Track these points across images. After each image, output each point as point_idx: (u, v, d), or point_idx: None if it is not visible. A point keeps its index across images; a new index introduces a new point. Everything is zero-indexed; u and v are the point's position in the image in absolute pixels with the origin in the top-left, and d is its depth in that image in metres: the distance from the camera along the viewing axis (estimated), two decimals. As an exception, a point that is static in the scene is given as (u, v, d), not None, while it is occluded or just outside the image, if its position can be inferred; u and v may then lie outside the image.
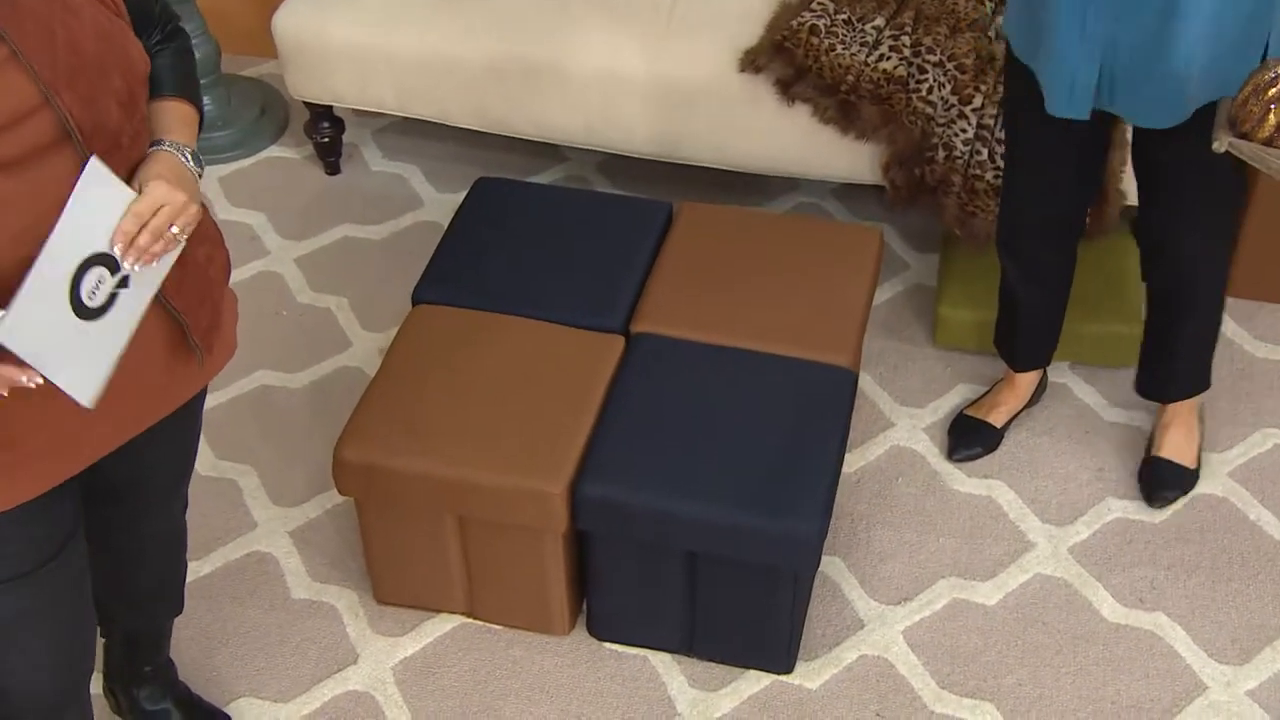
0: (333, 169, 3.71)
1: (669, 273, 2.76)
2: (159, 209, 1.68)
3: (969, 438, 2.97)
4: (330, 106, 3.56)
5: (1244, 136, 2.09)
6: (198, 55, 3.63)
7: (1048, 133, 2.47)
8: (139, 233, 1.66)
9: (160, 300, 1.81)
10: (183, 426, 2.06)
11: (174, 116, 1.84)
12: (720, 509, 2.35)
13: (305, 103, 3.54)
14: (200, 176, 1.81)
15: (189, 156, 1.80)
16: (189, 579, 2.76)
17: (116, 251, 1.65)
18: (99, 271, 1.63)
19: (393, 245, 3.53)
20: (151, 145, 1.79)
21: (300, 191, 3.68)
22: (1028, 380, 3.00)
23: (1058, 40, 2.28)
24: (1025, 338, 2.88)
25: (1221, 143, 2.10)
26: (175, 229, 1.70)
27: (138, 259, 1.67)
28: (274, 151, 3.82)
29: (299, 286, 3.43)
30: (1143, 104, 2.32)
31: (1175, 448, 2.90)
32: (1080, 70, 2.29)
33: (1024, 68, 2.44)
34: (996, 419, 2.99)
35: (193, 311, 1.88)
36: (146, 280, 1.71)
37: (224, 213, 3.64)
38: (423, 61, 3.31)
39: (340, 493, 2.49)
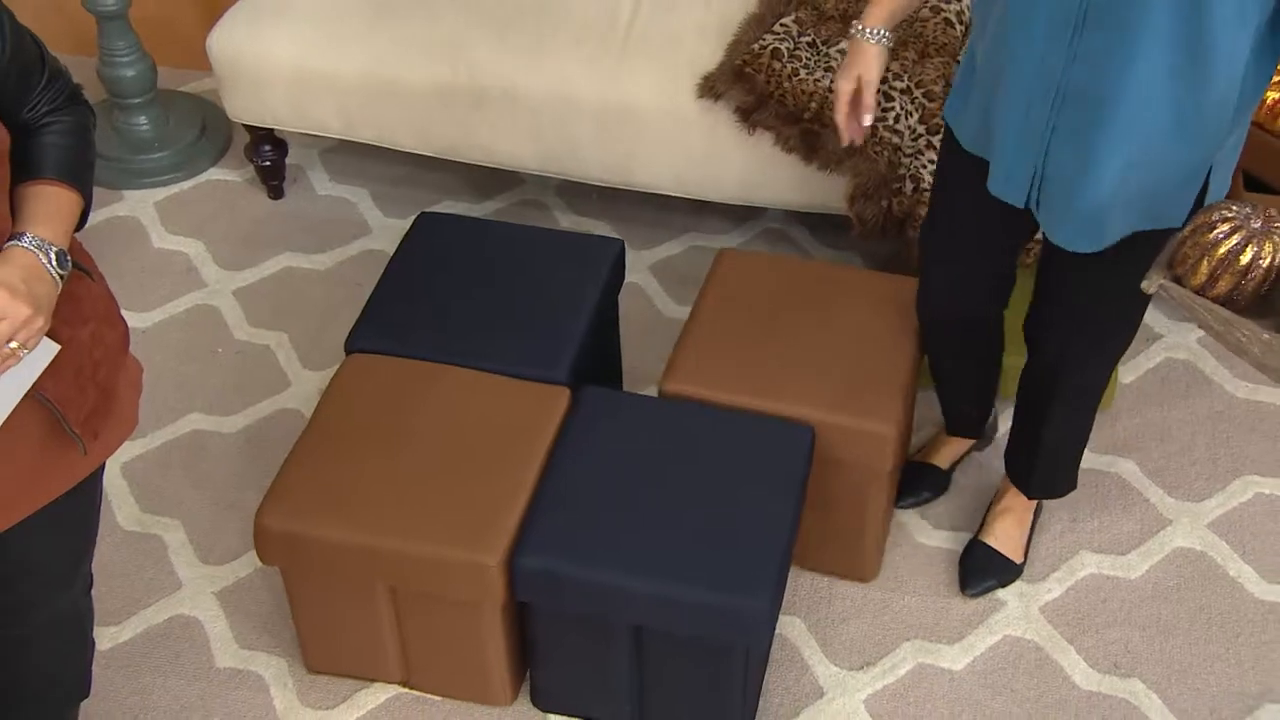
0: (276, 193, 3.65)
1: (708, 328, 2.70)
2: None
3: (914, 483, 2.92)
4: (272, 129, 3.52)
5: (1178, 281, 1.96)
6: (132, 73, 3.60)
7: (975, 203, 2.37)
8: None
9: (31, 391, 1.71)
10: (74, 511, 1.96)
11: (48, 205, 1.70)
12: (665, 583, 2.30)
13: (245, 125, 3.50)
14: (63, 280, 1.70)
15: (52, 257, 1.67)
16: (105, 647, 2.68)
17: None
18: None
19: (338, 276, 3.47)
20: (10, 238, 1.65)
21: (241, 218, 3.63)
22: None
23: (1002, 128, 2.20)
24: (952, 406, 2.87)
25: (1151, 283, 1.98)
26: (14, 344, 1.60)
27: None
28: (215, 174, 3.76)
29: (236, 321, 3.36)
30: (1060, 223, 2.22)
31: (1005, 537, 2.81)
32: (1017, 165, 2.21)
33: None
34: (941, 460, 2.94)
35: (70, 400, 1.77)
36: (5, 384, 1.63)
37: (159, 241, 3.58)
38: (366, 85, 3.27)
39: (262, 561, 2.44)
